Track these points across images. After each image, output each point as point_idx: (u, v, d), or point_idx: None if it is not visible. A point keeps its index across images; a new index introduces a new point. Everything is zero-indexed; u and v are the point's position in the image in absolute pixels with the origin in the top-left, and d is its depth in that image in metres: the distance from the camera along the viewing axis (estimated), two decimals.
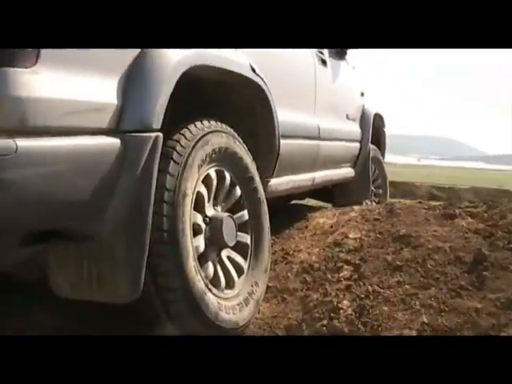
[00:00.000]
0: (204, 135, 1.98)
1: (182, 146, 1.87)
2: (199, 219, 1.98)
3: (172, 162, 1.82)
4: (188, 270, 1.81)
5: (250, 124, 2.46)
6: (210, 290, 1.95)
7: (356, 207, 3.54)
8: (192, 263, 1.84)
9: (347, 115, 4.12)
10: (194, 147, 1.91)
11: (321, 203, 4.84)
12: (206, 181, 2.03)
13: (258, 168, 2.38)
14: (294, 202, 4.40)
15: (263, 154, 2.54)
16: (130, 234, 1.62)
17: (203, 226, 2.01)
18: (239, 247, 2.21)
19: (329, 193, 4.53)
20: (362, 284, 2.30)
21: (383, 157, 5.28)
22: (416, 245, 2.55)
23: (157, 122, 1.65)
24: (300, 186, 3.16)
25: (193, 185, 1.91)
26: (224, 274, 2.10)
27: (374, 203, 4.86)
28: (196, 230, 1.96)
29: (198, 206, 1.98)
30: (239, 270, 2.19)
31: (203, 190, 2.00)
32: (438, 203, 3.24)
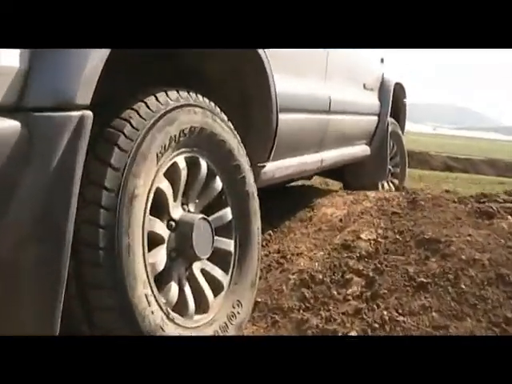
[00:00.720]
0: (168, 111, 1.44)
1: (133, 127, 1.34)
2: (159, 226, 1.47)
3: (116, 149, 1.30)
4: (136, 302, 1.31)
5: (238, 95, 1.91)
6: (171, 320, 1.45)
7: (371, 194, 3.00)
8: (143, 291, 1.33)
9: (364, 84, 3.52)
10: (151, 128, 1.38)
11: (329, 182, 4.29)
12: (172, 173, 1.51)
13: (248, 151, 1.84)
14: (298, 183, 3.85)
15: (256, 134, 2.00)
16: (38, 252, 1.10)
17: (166, 233, 1.50)
18: (218, 256, 1.70)
19: (340, 172, 3.97)
20: (375, 307, 1.79)
21: (403, 131, 4.69)
22: (446, 253, 2.02)
23: (84, 95, 1.11)
24: (304, 170, 2.61)
25: (148, 180, 1.39)
26: (195, 294, 1.59)
27: (390, 183, 4.33)
28: (155, 240, 1.45)
29: (159, 208, 1.47)
30: (217, 287, 1.69)
31: (165, 186, 1.48)
32: (469, 195, 2.69)
